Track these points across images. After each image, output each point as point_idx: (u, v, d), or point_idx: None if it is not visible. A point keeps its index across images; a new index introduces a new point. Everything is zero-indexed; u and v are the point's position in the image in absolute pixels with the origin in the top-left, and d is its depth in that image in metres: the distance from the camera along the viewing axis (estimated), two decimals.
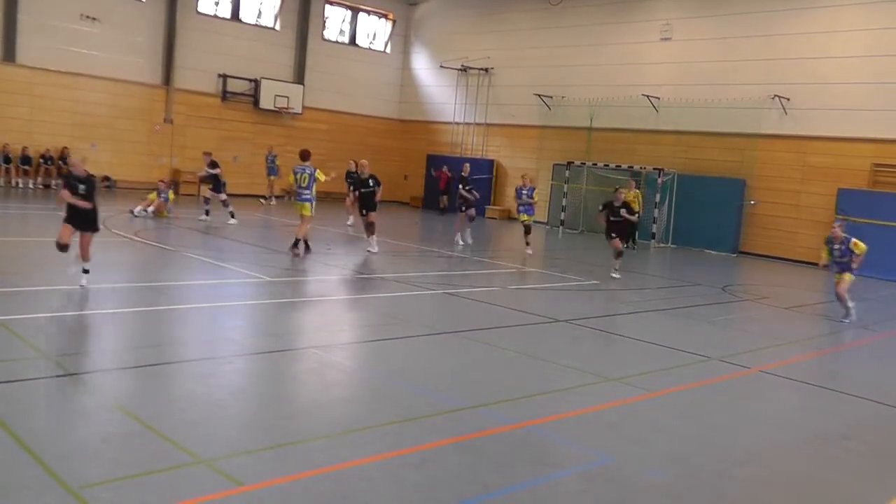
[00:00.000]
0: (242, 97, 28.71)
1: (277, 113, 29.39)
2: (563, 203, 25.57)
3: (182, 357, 7.48)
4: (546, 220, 27.70)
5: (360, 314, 10.68)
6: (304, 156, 14.18)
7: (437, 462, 5.20)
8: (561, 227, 25.60)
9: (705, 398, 7.44)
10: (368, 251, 15.39)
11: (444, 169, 29.77)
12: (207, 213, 18.90)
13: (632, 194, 20.09)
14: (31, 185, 24.09)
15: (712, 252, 22.60)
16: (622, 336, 9.98)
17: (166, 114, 27.16)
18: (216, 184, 19.20)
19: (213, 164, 19.07)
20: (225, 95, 28.26)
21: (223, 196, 19.27)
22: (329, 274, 13.36)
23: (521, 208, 18.29)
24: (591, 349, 9.13)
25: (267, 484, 4.58)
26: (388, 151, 33.14)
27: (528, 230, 18.07)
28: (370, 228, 15.53)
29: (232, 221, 18.64)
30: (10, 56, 23.77)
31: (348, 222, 20.66)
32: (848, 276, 12.54)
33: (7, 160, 23.72)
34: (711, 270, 18.42)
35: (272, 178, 26.26)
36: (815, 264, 21.24)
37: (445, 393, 6.74)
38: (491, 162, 29.88)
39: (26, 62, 24.05)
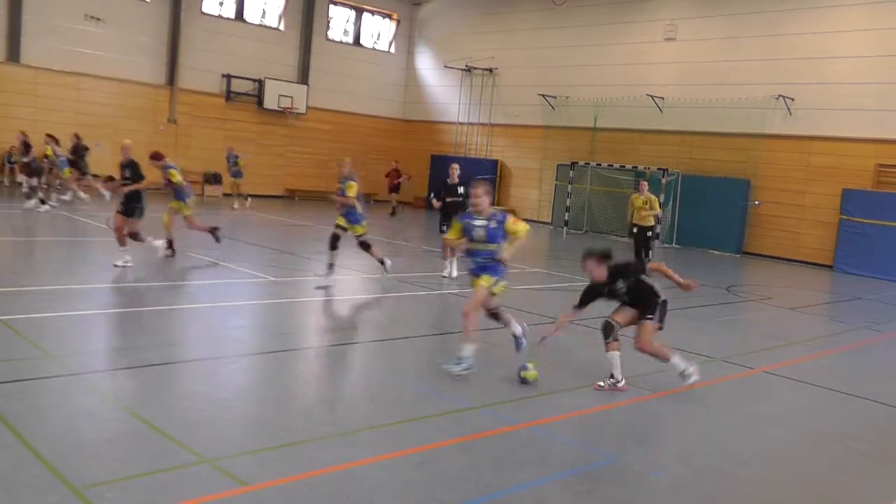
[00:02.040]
0: (246, 97, 28.74)
1: (281, 113, 29.42)
2: (568, 203, 25.55)
3: (186, 357, 7.49)
4: (550, 221, 27.72)
5: (363, 314, 10.68)
6: (157, 156, 13.38)
7: (440, 462, 5.20)
8: (565, 228, 25.57)
9: (709, 398, 7.43)
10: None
11: (395, 164, 27.49)
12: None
13: (642, 199, 16.93)
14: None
15: (716, 252, 22.57)
16: (624, 336, 9.94)
17: (170, 114, 27.21)
18: (29, 168, 18.74)
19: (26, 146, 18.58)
20: (229, 95, 28.30)
21: (34, 182, 18.97)
22: (332, 274, 13.34)
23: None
24: (594, 350, 9.10)
25: (271, 484, 4.59)
26: (391, 151, 33.14)
27: (333, 242, 12.11)
28: (133, 237, 11.91)
29: (42, 208, 17.86)
30: (14, 56, 23.83)
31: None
32: (487, 281, 7.16)
33: (11, 160, 23.79)
34: (715, 271, 18.38)
35: (236, 180, 24.08)
36: (820, 265, 21.45)
37: (449, 393, 6.74)
38: (495, 162, 29.85)
39: (30, 62, 24.12)
